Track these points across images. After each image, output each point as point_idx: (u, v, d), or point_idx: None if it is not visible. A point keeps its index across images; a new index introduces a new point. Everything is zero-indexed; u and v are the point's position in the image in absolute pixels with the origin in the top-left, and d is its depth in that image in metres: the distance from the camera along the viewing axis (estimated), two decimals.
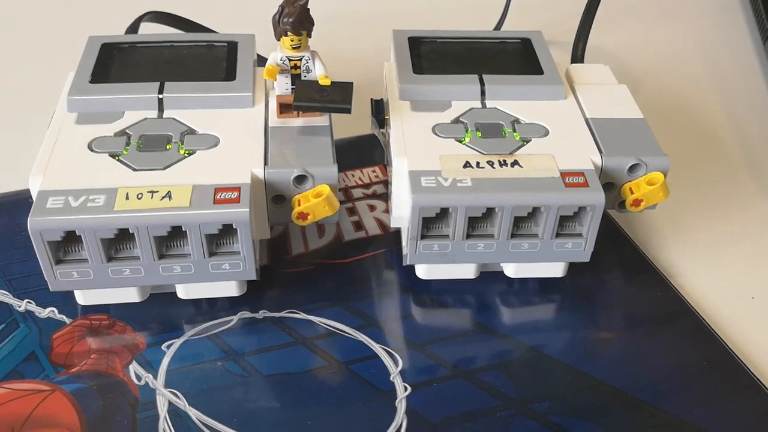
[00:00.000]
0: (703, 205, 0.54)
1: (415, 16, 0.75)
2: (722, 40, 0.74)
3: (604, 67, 0.54)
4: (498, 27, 0.68)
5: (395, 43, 0.52)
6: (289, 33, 0.44)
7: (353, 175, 0.55)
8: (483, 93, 0.49)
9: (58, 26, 0.73)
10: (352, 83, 0.45)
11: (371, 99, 0.52)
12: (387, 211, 0.52)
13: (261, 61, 0.53)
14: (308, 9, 0.44)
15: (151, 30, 0.59)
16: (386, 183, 0.54)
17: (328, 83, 0.45)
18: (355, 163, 0.56)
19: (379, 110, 0.51)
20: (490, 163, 0.43)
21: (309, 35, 0.45)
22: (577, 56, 0.60)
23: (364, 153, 0.56)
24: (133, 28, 0.59)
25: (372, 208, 0.52)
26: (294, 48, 0.45)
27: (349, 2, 0.77)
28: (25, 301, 0.45)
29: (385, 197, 0.53)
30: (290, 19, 0.44)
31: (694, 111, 0.64)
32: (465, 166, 0.43)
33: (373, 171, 0.55)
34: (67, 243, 0.41)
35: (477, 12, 0.72)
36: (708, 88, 0.67)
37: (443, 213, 0.43)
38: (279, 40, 0.45)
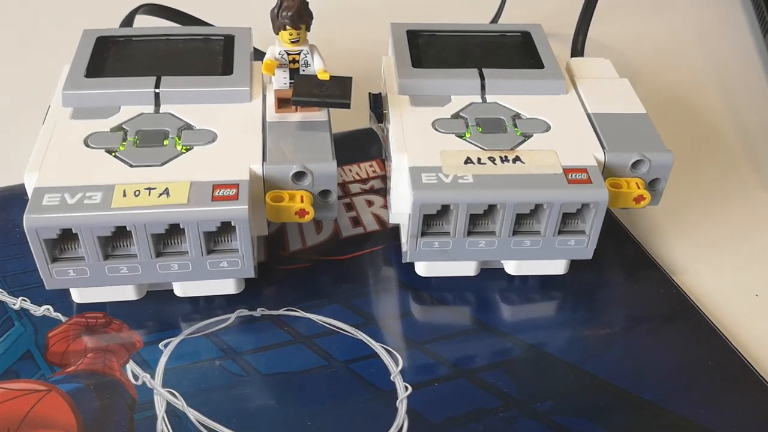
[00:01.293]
0: (705, 201, 0.54)
1: (412, 8, 0.74)
2: (722, 34, 0.73)
3: (605, 60, 0.53)
4: (495, 19, 0.68)
5: (393, 37, 0.51)
6: (287, 27, 0.44)
7: (350, 170, 0.54)
8: (483, 87, 0.48)
9: (52, 19, 0.72)
10: (351, 78, 0.45)
11: (369, 93, 0.51)
12: (385, 206, 0.51)
13: (258, 55, 0.52)
14: (307, 2, 0.44)
15: (145, 23, 0.58)
16: (384, 178, 0.53)
17: (327, 78, 0.44)
18: (352, 157, 0.55)
19: (378, 105, 0.50)
20: (492, 159, 0.43)
21: (308, 29, 0.45)
22: (577, 50, 0.59)
23: (361, 147, 0.56)
24: (128, 22, 0.58)
25: (369, 203, 0.52)
26: (293, 42, 0.44)
27: None
28: (20, 299, 0.44)
29: (383, 193, 0.52)
30: (289, 13, 0.43)
31: (693, 105, 0.64)
32: (466, 162, 0.43)
33: (371, 166, 0.55)
34: (63, 241, 0.40)
35: (474, 4, 0.72)
36: (708, 82, 0.66)
37: (444, 210, 0.42)
38: (277, 34, 0.45)
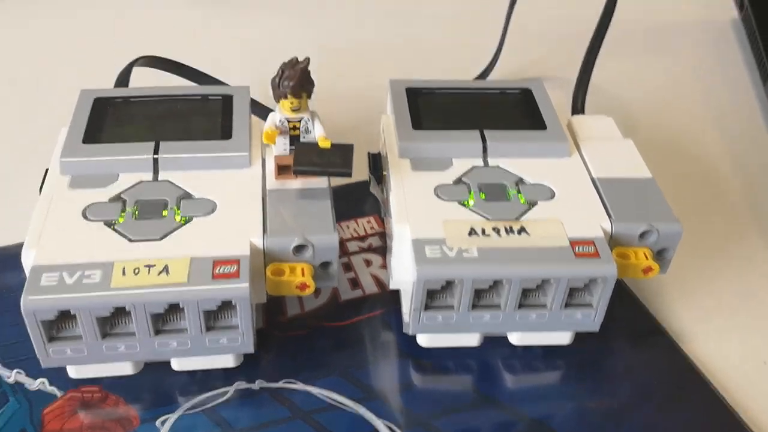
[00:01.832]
0: (710, 261, 0.53)
1: (407, 53, 0.74)
2: (721, 82, 0.73)
3: (607, 118, 0.53)
4: (492, 64, 0.67)
5: (393, 95, 0.51)
6: (289, 96, 0.43)
7: (348, 227, 0.53)
8: (485, 150, 0.47)
9: (48, 70, 0.71)
10: (352, 146, 0.44)
11: (368, 153, 0.51)
12: (384, 266, 0.50)
13: (256, 107, 0.52)
14: (309, 71, 0.43)
15: (143, 75, 0.58)
16: (382, 235, 0.53)
17: (328, 146, 0.44)
18: (349, 212, 0.55)
19: (377, 166, 0.50)
20: (496, 230, 0.42)
21: (309, 96, 0.44)
22: (578, 107, 0.58)
23: (358, 201, 0.55)
24: (125, 74, 0.57)
25: (368, 263, 0.51)
26: (294, 110, 0.44)
27: (341, 41, 0.75)
28: (15, 371, 0.43)
29: (381, 251, 0.52)
30: (291, 83, 0.43)
31: (695, 156, 0.63)
32: (470, 234, 0.42)
33: (368, 222, 0.54)
34: (61, 320, 0.39)
35: (471, 47, 0.71)
36: (708, 133, 0.66)
37: (448, 284, 0.41)
38: (278, 102, 0.44)
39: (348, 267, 0.51)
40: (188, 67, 0.60)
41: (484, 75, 0.67)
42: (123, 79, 0.58)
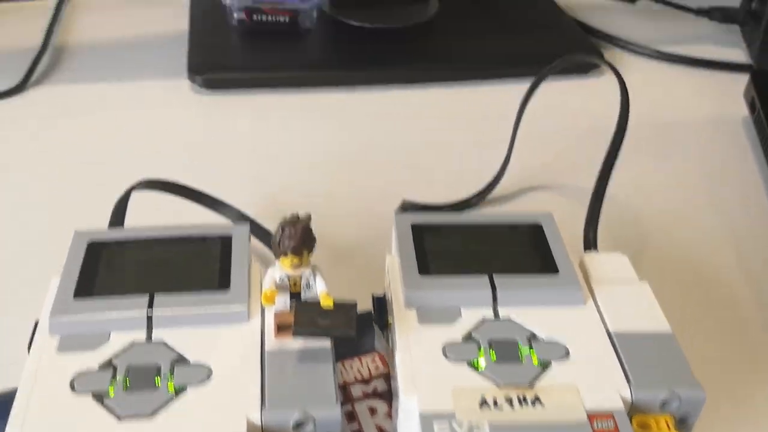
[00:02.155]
0: (732, 404, 0.50)
1: (413, 159, 0.71)
2: (736, 191, 0.70)
3: (621, 257, 0.51)
4: (501, 172, 0.65)
5: (398, 233, 0.49)
6: (289, 254, 0.41)
7: (351, 367, 0.51)
8: (495, 299, 0.45)
9: (45, 196, 0.68)
10: (355, 304, 0.42)
11: (372, 296, 0.48)
12: (389, 414, 0.48)
13: (255, 228, 0.52)
14: (310, 228, 0.41)
15: (143, 199, 0.57)
16: (387, 377, 0.50)
17: (330, 304, 0.42)
18: (351, 349, 0.52)
19: (382, 311, 0.47)
20: (509, 401, 0.40)
21: (310, 253, 0.42)
22: (590, 240, 0.56)
23: (360, 336, 0.52)
24: (123, 201, 0.55)
25: (373, 411, 0.48)
26: (294, 267, 0.42)
27: (342, 150, 0.73)
28: None
29: (387, 396, 0.49)
30: (292, 243, 0.41)
31: (707, 276, 0.60)
32: (481, 406, 0.40)
33: (372, 361, 0.51)
34: None
35: (480, 152, 0.69)
36: (722, 247, 0.63)
37: None
38: (278, 258, 0.42)
39: (351, 416, 0.48)
40: (188, 188, 0.58)
41: (492, 184, 0.65)
42: (121, 207, 0.56)
